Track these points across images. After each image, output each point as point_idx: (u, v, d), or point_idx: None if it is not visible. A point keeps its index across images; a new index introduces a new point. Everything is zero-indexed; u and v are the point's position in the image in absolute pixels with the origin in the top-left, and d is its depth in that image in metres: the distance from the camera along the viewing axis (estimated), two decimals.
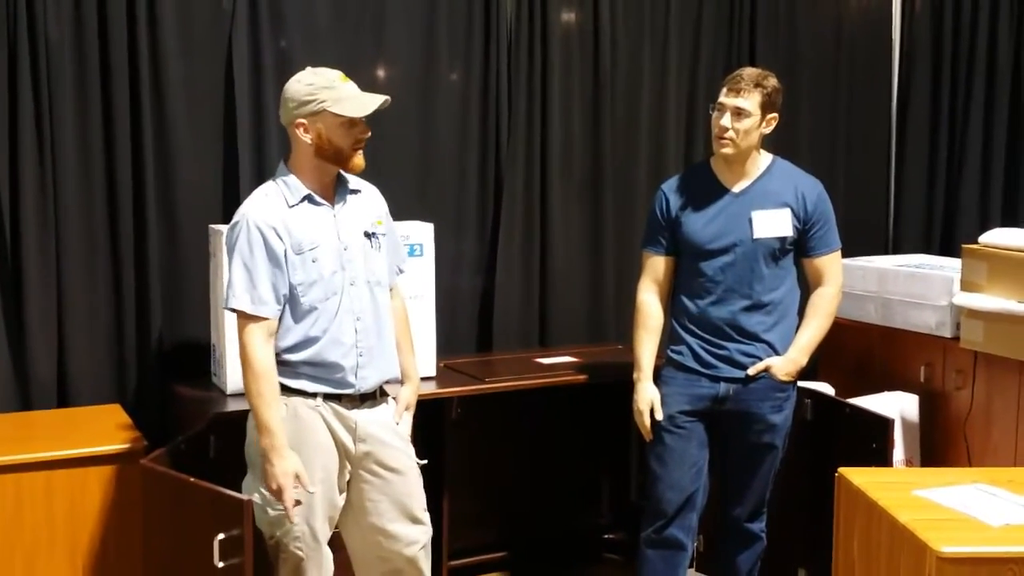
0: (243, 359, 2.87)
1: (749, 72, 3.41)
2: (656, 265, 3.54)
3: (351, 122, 2.91)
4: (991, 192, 5.25)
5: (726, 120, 3.35)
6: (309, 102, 2.89)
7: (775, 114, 3.41)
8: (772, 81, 3.40)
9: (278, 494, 2.84)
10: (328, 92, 2.89)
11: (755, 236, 3.38)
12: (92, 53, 3.69)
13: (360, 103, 2.92)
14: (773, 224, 3.39)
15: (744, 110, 3.34)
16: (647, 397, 3.48)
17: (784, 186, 3.44)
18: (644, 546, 3.54)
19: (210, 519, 2.69)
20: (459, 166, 4.39)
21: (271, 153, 3.93)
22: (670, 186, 3.56)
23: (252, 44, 3.94)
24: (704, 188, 3.48)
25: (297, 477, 2.85)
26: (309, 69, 2.97)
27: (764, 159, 3.49)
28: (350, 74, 3.00)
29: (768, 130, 3.42)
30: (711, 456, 3.51)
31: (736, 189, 3.45)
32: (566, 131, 4.54)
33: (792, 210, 3.41)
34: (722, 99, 3.39)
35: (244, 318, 2.88)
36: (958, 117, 5.31)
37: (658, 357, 3.55)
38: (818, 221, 3.45)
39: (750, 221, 3.39)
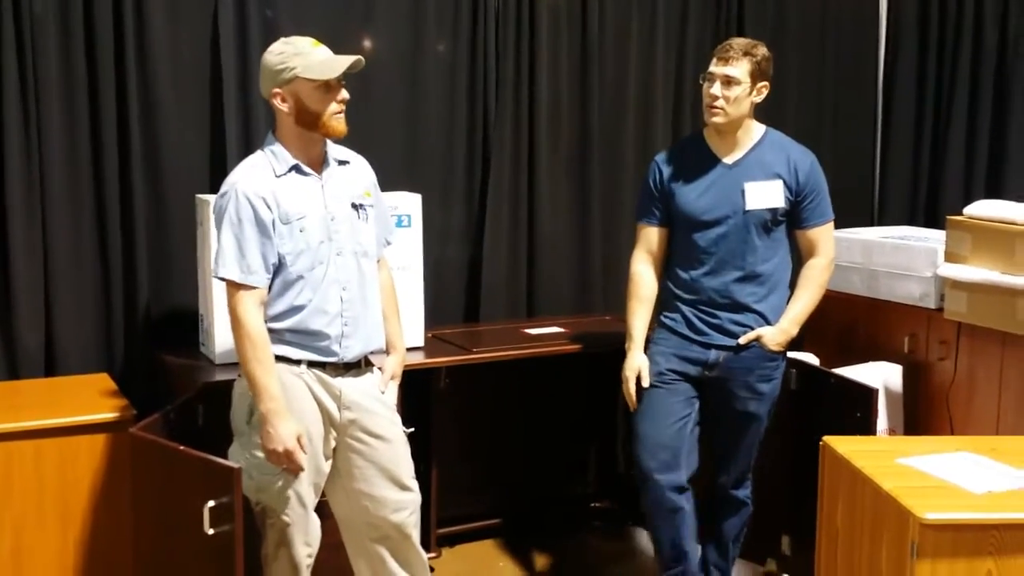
0: (237, 327, 2.87)
1: (738, 41, 3.42)
2: (650, 236, 3.55)
3: (326, 86, 2.91)
4: (975, 164, 5.27)
5: (716, 89, 3.36)
6: (281, 71, 2.90)
7: (766, 83, 3.41)
8: (762, 50, 3.40)
9: (286, 456, 2.86)
10: (299, 59, 2.89)
11: (747, 207, 3.39)
12: (77, 24, 3.67)
13: (329, 65, 2.91)
14: (765, 195, 3.40)
15: (733, 78, 3.34)
16: (635, 364, 3.49)
17: (777, 157, 3.44)
18: (646, 512, 3.54)
19: (200, 487, 2.69)
20: (447, 137, 4.39)
21: (258, 123, 3.93)
22: (663, 157, 3.56)
23: (238, 14, 3.92)
24: (697, 159, 3.48)
25: (298, 439, 2.88)
26: (281, 40, 2.97)
27: (757, 130, 3.49)
28: (336, 45, 3.00)
29: (759, 99, 3.42)
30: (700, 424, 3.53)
31: (729, 160, 3.45)
32: (554, 102, 4.54)
33: (784, 181, 3.42)
34: (712, 68, 3.39)
35: (235, 287, 2.88)
36: (944, 89, 5.32)
37: (651, 327, 3.56)
38: (810, 192, 3.45)
39: (742, 192, 3.40)
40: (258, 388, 2.86)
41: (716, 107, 3.37)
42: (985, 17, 5.20)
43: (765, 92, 3.42)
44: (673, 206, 3.47)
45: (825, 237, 3.51)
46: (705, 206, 3.42)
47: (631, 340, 3.52)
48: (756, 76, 3.37)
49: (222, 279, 2.90)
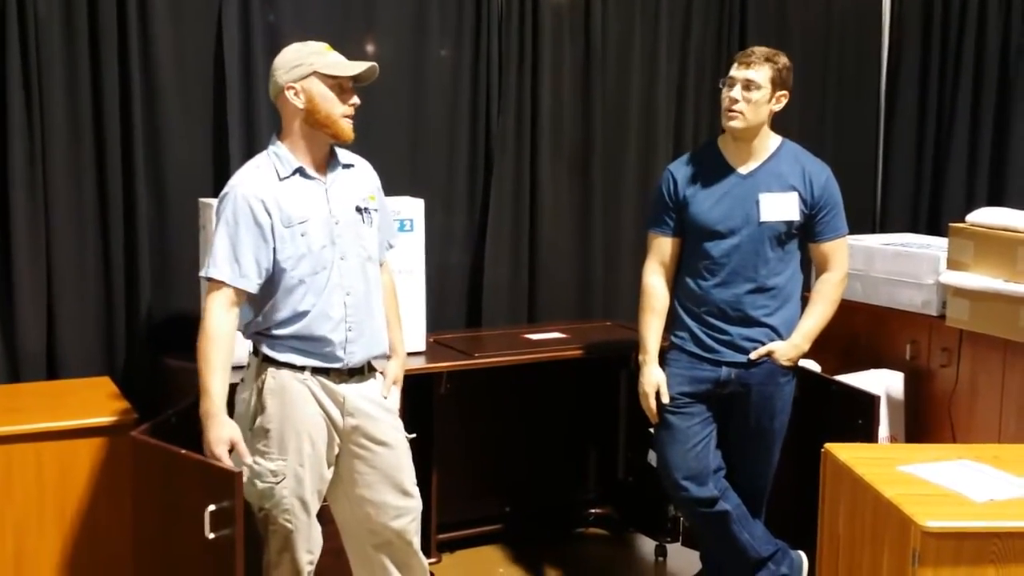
0: (203, 322, 2.84)
1: (760, 48, 3.41)
2: (662, 246, 3.52)
3: (340, 88, 2.93)
4: (978, 171, 5.28)
5: (735, 92, 3.34)
6: (298, 66, 2.91)
7: (785, 92, 3.40)
8: (783, 59, 3.40)
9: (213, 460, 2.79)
10: (317, 57, 2.92)
11: (762, 219, 3.37)
12: (81, 28, 3.67)
13: (348, 64, 2.95)
14: (780, 207, 3.38)
15: (754, 82, 3.33)
16: (653, 380, 3.47)
17: (792, 169, 3.42)
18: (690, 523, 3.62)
19: (200, 491, 2.69)
20: (449, 142, 4.39)
21: (261, 127, 3.93)
22: (677, 166, 3.53)
23: (242, 19, 3.92)
24: (712, 169, 3.46)
25: (233, 445, 2.80)
26: (296, 43, 2.99)
27: (773, 141, 3.47)
28: (340, 49, 3.01)
29: (778, 107, 3.41)
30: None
31: (744, 170, 3.43)
32: (556, 108, 4.55)
33: (799, 194, 3.40)
34: (733, 72, 3.38)
35: (216, 285, 2.84)
36: (946, 97, 5.33)
37: (664, 339, 3.55)
38: (825, 206, 3.43)
39: (757, 203, 3.38)
40: (201, 385, 2.81)
41: (735, 111, 3.35)
42: (987, 26, 5.21)
43: (784, 102, 3.41)
44: (686, 215, 3.45)
45: (839, 251, 3.50)
46: (719, 216, 3.40)
47: (646, 353, 3.49)
48: (776, 83, 3.37)
49: (210, 279, 2.86)
